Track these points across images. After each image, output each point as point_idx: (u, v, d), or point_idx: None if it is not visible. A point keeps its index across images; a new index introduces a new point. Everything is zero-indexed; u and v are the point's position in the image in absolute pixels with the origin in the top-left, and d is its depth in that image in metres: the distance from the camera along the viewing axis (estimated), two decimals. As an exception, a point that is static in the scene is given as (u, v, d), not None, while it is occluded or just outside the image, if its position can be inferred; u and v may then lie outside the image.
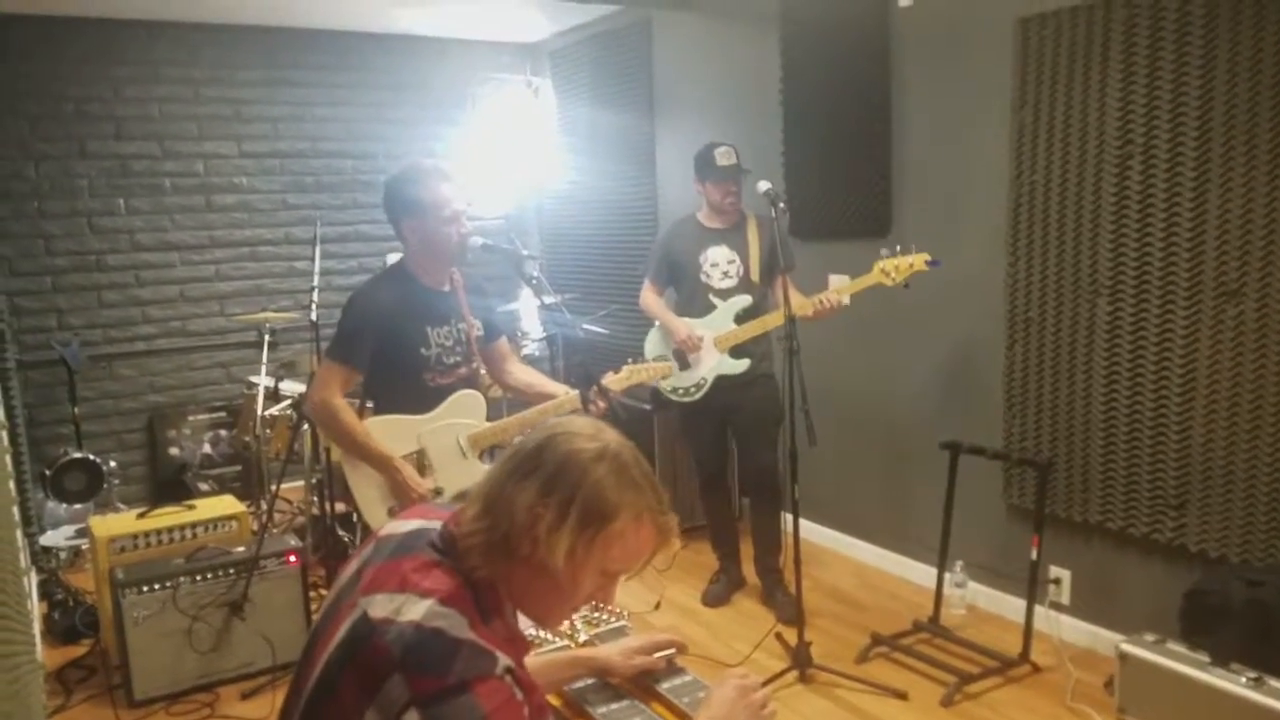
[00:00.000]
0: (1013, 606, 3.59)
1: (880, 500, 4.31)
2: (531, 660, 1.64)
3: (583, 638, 1.84)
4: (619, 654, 1.68)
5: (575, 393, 2.68)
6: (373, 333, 2.66)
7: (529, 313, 6.21)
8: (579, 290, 6.08)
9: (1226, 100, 2.82)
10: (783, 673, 3.25)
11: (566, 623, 1.85)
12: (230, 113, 5.68)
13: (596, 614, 1.91)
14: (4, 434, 3.36)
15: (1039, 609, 3.46)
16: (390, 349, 2.68)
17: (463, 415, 2.73)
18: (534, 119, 6.57)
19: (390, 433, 2.70)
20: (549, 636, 1.82)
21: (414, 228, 2.68)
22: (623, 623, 1.91)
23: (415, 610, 1.17)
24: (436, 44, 6.25)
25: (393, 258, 2.78)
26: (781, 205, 3.37)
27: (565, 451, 1.28)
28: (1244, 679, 2.61)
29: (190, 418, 5.67)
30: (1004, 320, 3.56)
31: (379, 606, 1.20)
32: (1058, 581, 3.52)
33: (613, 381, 2.78)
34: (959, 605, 3.76)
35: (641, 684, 1.68)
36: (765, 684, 3.14)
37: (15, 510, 3.23)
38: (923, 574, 3.93)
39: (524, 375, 2.97)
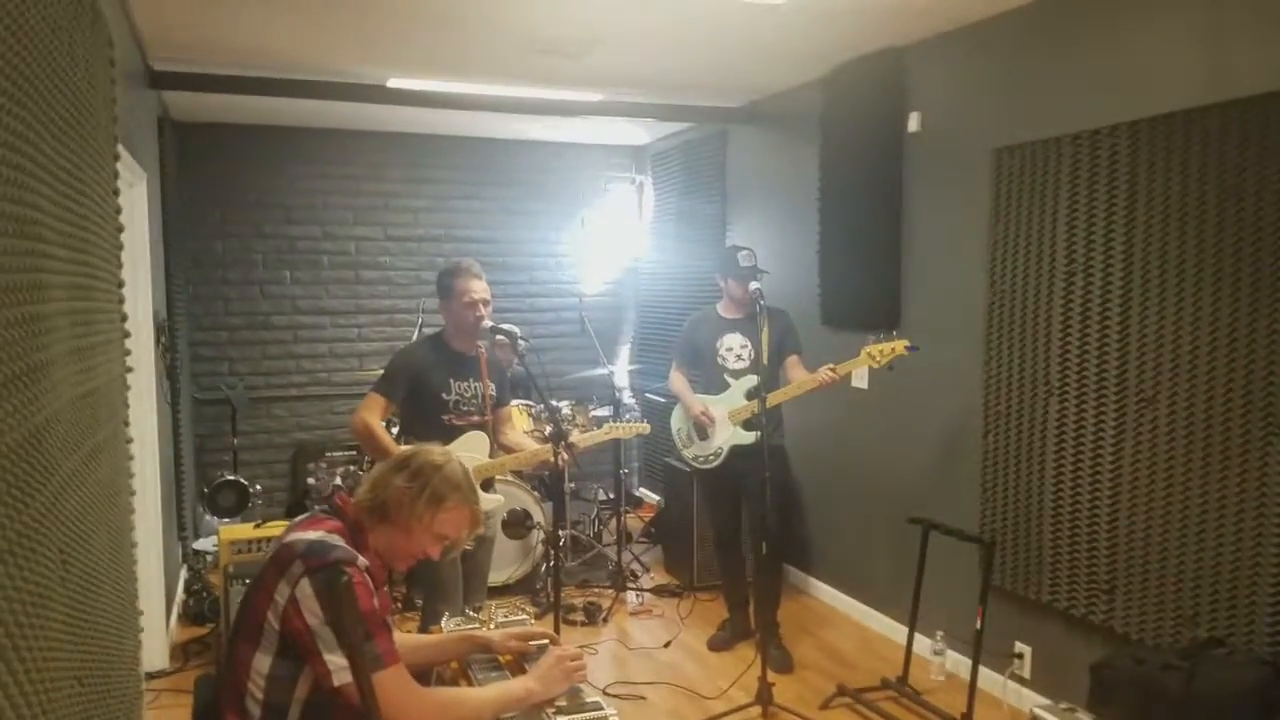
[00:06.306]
0: (985, 678, 3.88)
1: (884, 569, 4.70)
2: (434, 636, 2.33)
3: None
4: (499, 636, 2.31)
5: (547, 446, 3.34)
6: (406, 376, 3.45)
7: (621, 373, 6.98)
8: (662, 355, 6.75)
9: (1144, 231, 3.22)
10: (745, 706, 3.72)
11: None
12: (380, 204, 6.77)
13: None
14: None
15: (1004, 681, 3.80)
16: (420, 390, 3.46)
17: (470, 449, 3.46)
18: (637, 210, 7.40)
19: None
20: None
21: (445, 305, 3.54)
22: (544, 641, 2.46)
23: (313, 535, 1.93)
24: (556, 148, 7.21)
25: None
26: (763, 302, 3.99)
27: (425, 460, 2.07)
28: (1121, 744, 2.93)
29: (328, 453, 6.63)
30: (981, 412, 3.96)
31: (290, 538, 1.94)
32: (1020, 656, 3.83)
33: (586, 437, 3.42)
34: (939, 673, 4.10)
35: (518, 662, 2.30)
36: (727, 714, 3.67)
37: (159, 524, 4.14)
38: (916, 642, 4.28)
39: (514, 436, 3.66)
